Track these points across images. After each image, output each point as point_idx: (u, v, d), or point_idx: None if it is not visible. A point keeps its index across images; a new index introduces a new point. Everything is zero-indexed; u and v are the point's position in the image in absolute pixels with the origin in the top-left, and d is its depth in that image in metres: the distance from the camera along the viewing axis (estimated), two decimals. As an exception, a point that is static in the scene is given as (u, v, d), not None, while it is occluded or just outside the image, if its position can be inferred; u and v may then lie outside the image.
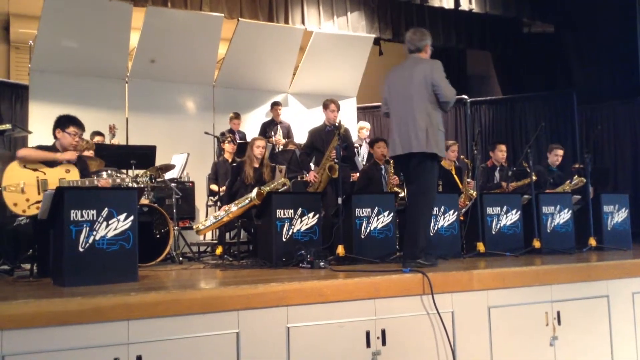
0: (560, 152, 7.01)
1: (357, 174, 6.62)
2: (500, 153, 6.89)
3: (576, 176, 6.66)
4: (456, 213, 5.20)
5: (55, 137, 4.34)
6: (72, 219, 3.38)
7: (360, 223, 4.75)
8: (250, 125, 9.03)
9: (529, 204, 5.54)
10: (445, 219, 5.12)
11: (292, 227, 4.63)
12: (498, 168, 6.81)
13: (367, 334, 3.41)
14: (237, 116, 8.28)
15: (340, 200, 4.67)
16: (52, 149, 4.30)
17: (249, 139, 7.51)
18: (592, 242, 5.59)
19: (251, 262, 4.94)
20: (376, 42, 10.23)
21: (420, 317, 3.57)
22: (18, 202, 4.00)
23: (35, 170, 4.10)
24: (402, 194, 5.96)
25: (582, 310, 4.11)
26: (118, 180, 4.37)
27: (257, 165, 5.71)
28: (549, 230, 5.52)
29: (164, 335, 2.92)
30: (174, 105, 8.77)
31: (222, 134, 7.85)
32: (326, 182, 5.63)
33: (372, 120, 10.88)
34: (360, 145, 8.22)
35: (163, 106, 8.63)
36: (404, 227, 5.00)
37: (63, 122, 4.33)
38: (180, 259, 5.49)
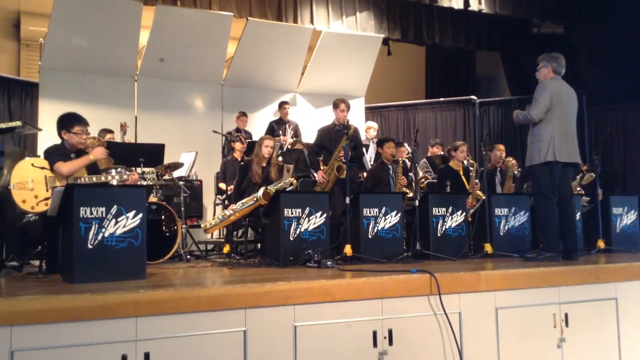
0: None
1: (365, 174, 6.61)
2: (499, 152, 6.82)
3: (586, 174, 6.60)
4: (464, 214, 5.18)
5: (61, 137, 4.32)
6: (81, 216, 3.39)
7: (368, 223, 4.74)
8: (258, 124, 9.05)
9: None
10: (453, 220, 5.10)
11: (300, 226, 4.62)
12: (498, 170, 6.75)
13: (374, 333, 3.40)
14: (243, 114, 8.31)
15: (348, 200, 4.67)
16: (62, 148, 4.31)
17: (255, 138, 7.54)
18: (601, 244, 5.56)
19: (258, 260, 4.93)
20: (385, 42, 10.22)
21: (428, 317, 3.56)
22: (27, 199, 4.01)
23: (43, 168, 4.12)
24: (410, 194, 5.94)
25: (590, 313, 4.09)
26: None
27: (264, 165, 5.71)
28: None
29: (172, 332, 2.93)
30: (182, 104, 8.80)
31: (229, 133, 7.87)
32: (334, 181, 5.62)
33: (380, 120, 10.89)
34: (368, 145, 8.20)
35: (172, 105, 8.66)
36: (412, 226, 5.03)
37: (67, 123, 4.29)
38: (188, 257, 5.50)
